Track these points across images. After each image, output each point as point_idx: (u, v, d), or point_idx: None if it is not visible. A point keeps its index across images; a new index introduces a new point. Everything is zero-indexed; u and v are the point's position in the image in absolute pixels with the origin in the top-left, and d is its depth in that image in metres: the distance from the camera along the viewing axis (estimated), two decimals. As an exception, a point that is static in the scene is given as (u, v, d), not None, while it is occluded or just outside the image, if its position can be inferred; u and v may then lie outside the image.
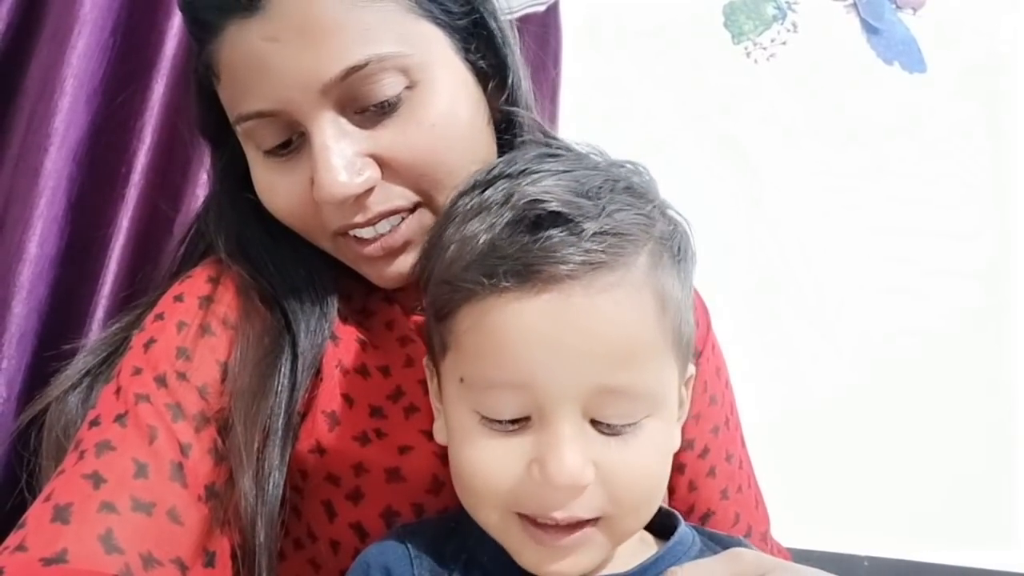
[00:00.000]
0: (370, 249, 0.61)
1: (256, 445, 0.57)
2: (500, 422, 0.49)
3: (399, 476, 0.60)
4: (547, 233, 0.47)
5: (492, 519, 0.51)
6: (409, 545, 0.55)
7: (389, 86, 0.57)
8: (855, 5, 1.53)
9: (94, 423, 0.57)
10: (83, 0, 0.96)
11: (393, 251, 0.62)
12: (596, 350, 0.47)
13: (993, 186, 1.51)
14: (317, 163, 0.57)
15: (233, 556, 0.57)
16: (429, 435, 0.60)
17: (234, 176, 0.68)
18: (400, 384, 0.64)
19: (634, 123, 1.37)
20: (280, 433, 0.59)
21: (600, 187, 0.50)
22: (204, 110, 0.66)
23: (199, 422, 0.57)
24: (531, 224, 0.47)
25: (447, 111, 0.60)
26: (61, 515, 0.51)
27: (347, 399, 0.63)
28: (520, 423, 0.48)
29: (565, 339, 0.46)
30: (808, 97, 1.48)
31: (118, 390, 0.59)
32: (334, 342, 0.65)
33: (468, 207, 0.52)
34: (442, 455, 0.60)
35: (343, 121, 0.58)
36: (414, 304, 0.69)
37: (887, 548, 1.31)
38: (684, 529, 0.57)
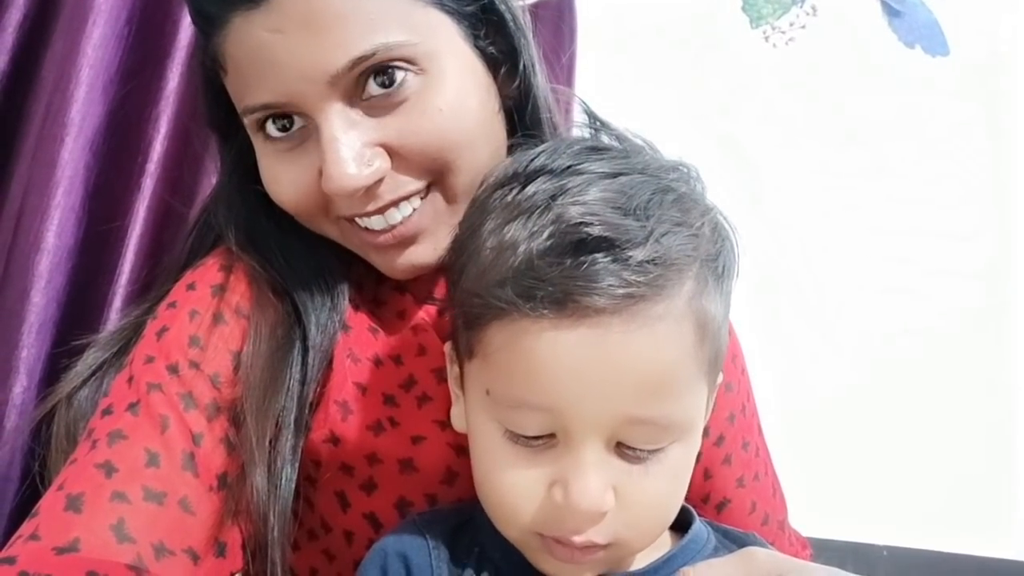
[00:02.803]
0: (381, 239, 0.61)
1: (268, 439, 0.57)
2: (525, 437, 0.48)
3: (412, 467, 0.60)
4: (590, 257, 0.45)
5: (513, 535, 0.52)
6: (428, 535, 0.55)
7: (396, 75, 0.57)
8: (876, -13, 1.50)
9: (106, 412, 0.57)
10: (98, -11, 0.96)
11: (405, 240, 0.61)
12: (629, 384, 0.46)
13: (993, 186, 1.50)
14: (326, 155, 0.56)
15: (244, 546, 0.57)
16: (442, 425, 0.60)
17: (243, 168, 0.67)
18: (412, 372, 0.64)
19: (644, 113, 1.35)
20: (292, 427, 0.59)
21: (648, 202, 0.47)
22: (212, 102, 0.66)
23: (211, 411, 0.57)
24: (574, 247, 0.45)
25: (455, 98, 0.59)
26: (73, 504, 0.51)
27: (360, 388, 0.63)
28: (544, 439, 0.48)
29: (598, 372, 0.45)
30: (807, 98, 1.47)
31: (130, 378, 0.59)
32: (345, 331, 0.64)
33: (507, 203, 0.50)
34: (456, 446, 0.60)
35: (351, 111, 0.57)
36: (427, 293, 0.69)
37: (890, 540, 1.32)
38: (699, 526, 0.57)
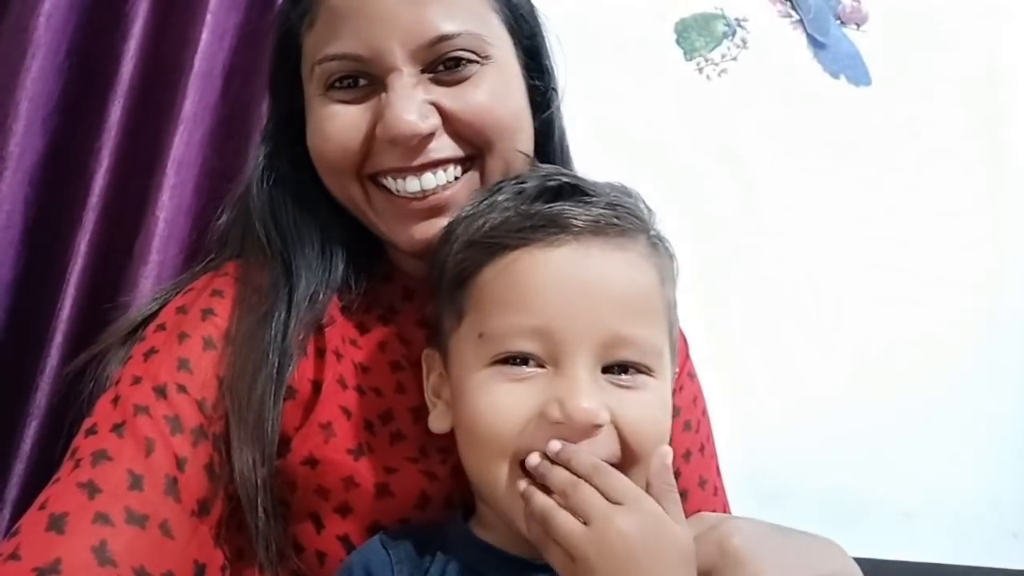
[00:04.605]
0: (412, 205, 0.64)
1: (251, 394, 0.59)
2: (515, 365, 0.53)
3: (388, 491, 0.61)
4: (565, 201, 0.55)
5: (500, 474, 0.52)
6: (390, 549, 0.57)
7: (467, 57, 0.64)
8: (801, 21, 1.56)
9: (90, 431, 0.57)
10: (36, 23, 0.95)
11: (434, 210, 0.64)
12: (610, 299, 0.53)
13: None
14: (392, 102, 0.62)
15: (223, 568, 0.58)
16: (413, 460, 0.62)
17: (286, 134, 0.71)
18: (391, 408, 0.65)
19: (585, 136, 1.37)
20: (274, 379, 0.61)
21: (603, 185, 0.58)
22: (280, 61, 0.71)
23: (197, 436, 0.58)
24: (551, 194, 0.56)
25: (503, 91, 0.66)
26: (56, 524, 0.51)
27: (345, 412, 0.64)
28: (535, 368, 0.52)
29: (583, 286, 0.52)
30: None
31: (116, 399, 0.59)
32: (338, 359, 0.65)
33: (477, 207, 0.58)
34: (428, 473, 0.62)
35: (420, 76, 0.63)
36: (410, 326, 0.70)
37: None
38: None
